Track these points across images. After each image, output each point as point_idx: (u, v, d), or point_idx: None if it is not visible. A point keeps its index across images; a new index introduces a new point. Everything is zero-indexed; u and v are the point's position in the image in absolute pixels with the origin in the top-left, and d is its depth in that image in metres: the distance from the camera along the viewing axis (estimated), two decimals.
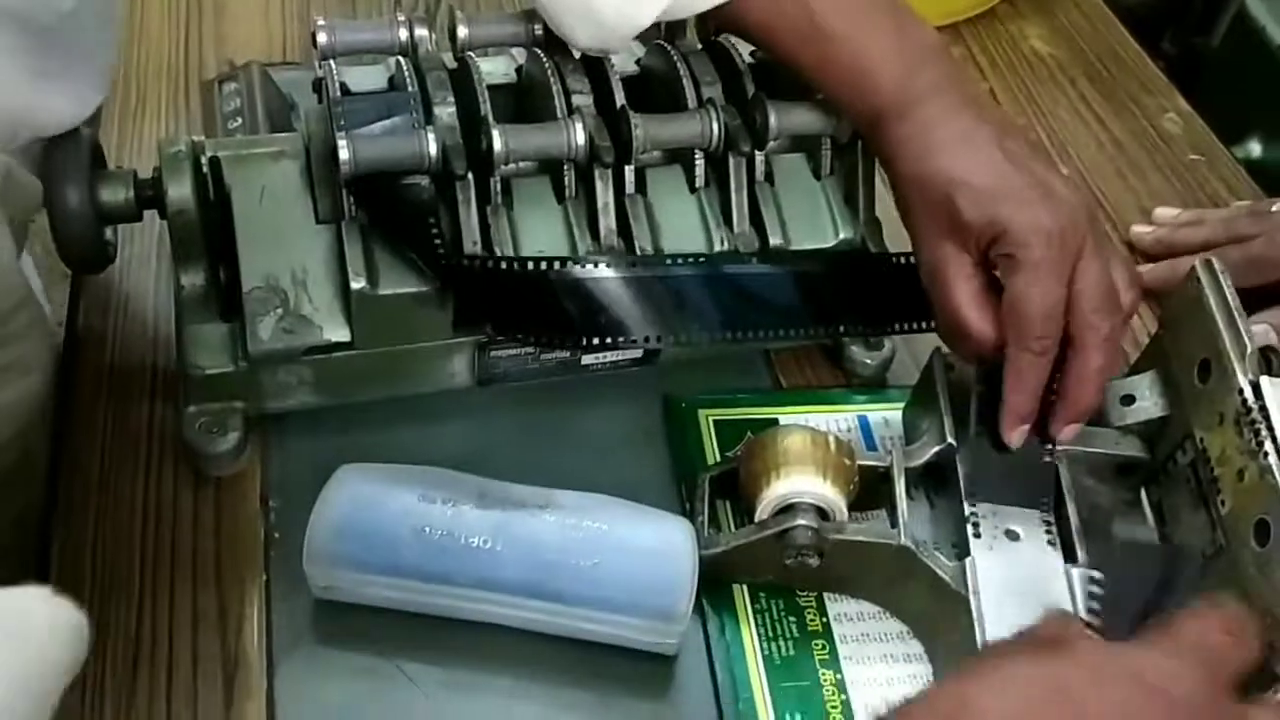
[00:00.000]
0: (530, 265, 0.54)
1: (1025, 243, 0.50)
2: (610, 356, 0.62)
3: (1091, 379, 0.52)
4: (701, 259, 0.58)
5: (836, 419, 0.62)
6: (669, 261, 0.57)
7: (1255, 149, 0.98)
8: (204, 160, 0.56)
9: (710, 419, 0.61)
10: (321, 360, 0.57)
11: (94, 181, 0.55)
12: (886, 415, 0.62)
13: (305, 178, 0.57)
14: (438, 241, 0.54)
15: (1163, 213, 0.78)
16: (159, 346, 0.63)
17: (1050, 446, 0.54)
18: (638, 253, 0.58)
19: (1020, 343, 0.51)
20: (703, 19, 0.61)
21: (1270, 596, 0.47)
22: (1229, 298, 0.54)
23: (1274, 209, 0.72)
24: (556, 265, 0.55)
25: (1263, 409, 0.50)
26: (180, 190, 0.55)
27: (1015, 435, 0.53)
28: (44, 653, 0.35)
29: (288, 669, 0.52)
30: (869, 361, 0.64)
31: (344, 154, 0.53)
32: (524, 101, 0.62)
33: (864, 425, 0.62)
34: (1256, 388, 0.51)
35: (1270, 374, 0.52)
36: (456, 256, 0.55)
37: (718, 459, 0.60)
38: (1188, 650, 0.39)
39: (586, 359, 0.62)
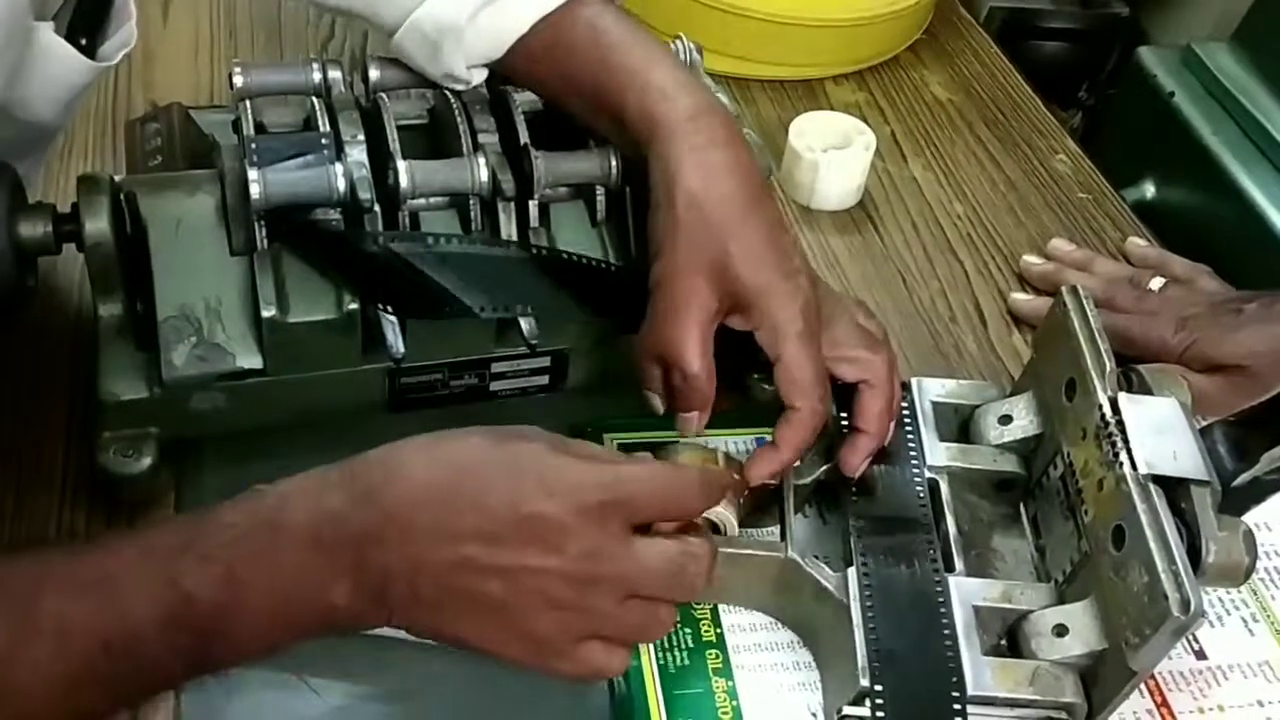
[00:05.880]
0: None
1: (793, 317, 0.55)
2: (518, 383, 0.65)
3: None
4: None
5: (735, 440, 0.65)
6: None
7: (1149, 190, 1.03)
8: (121, 195, 0.58)
9: (614, 442, 0.64)
10: (235, 386, 0.59)
11: (13, 216, 0.57)
12: None
13: (220, 212, 0.59)
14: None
15: (1057, 245, 0.82)
16: (78, 377, 0.65)
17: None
18: None
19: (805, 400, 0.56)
20: None
21: (1126, 597, 0.51)
22: (1091, 321, 0.58)
23: (1151, 285, 0.75)
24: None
25: (1119, 423, 0.54)
26: (97, 224, 0.57)
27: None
28: None
29: (193, 683, 0.53)
30: (767, 387, 0.67)
31: (255, 188, 0.55)
32: (436, 140, 0.64)
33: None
34: (1115, 403, 0.55)
35: (1129, 391, 0.56)
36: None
37: None
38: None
39: (495, 385, 0.64)
